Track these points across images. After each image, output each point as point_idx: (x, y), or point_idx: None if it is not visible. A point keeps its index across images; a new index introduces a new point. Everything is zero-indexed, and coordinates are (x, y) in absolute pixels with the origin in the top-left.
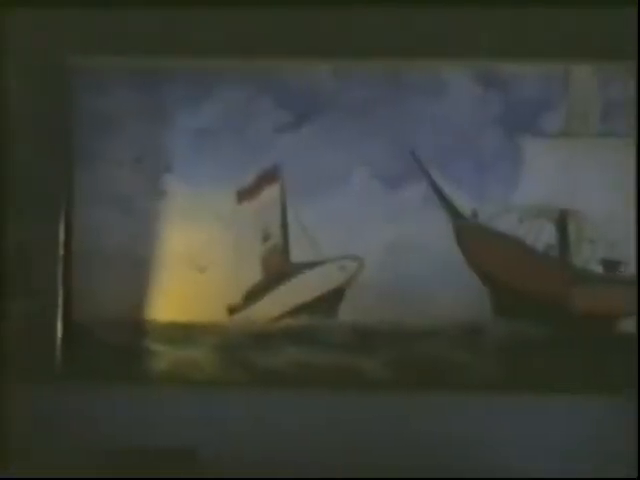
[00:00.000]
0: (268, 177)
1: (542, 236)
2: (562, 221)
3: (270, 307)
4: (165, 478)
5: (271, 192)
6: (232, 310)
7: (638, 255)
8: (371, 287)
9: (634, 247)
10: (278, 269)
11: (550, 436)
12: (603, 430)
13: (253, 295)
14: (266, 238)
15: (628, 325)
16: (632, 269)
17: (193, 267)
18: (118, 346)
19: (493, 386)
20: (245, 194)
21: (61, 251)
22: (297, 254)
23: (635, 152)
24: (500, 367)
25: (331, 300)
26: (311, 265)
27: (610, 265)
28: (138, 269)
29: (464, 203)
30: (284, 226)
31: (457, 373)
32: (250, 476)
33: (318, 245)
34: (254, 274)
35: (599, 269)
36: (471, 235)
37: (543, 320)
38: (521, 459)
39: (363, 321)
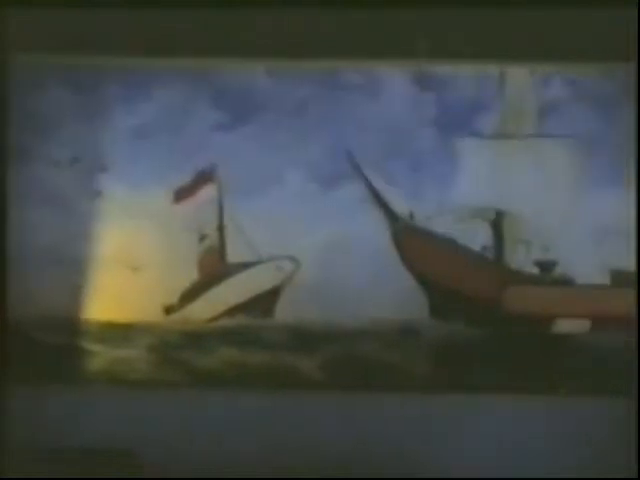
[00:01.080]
0: (204, 177)
1: (477, 237)
2: (497, 222)
3: (206, 307)
4: (101, 478)
5: (207, 192)
6: (168, 310)
7: (638, 255)
8: (307, 287)
9: (569, 248)
10: (214, 269)
11: (484, 435)
12: (539, 428)
13: (189, 295)
14: (202, 238)
15: (563, 326)
16: (566, 270)
17: (129, 267)
18: (54, 346)
19: (428, 386)
20: (181, 194)
21: None
22: (233, 254)
23: (568, 152)
24: (435, 367)
25: (267, 300)
26: (247, 265)
27: (545, 266)
28: (74, 269)
29: (400, 204)
30: (220, 226)
31: (392, 373)
32: (186, 476)
33: (254, 245)
34: (190, 274)
35: (534, 270)
36: (407, 236)
37: (478, 321)
38: (456, 458)
39: (299, 321)
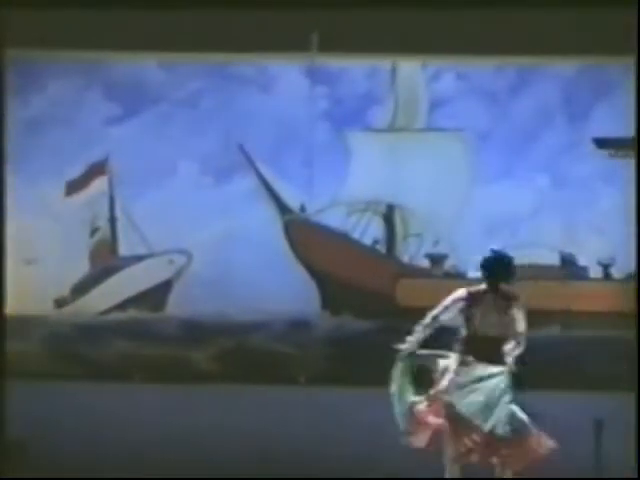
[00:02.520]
0: (97, 169)
1: (369, 230)
2: (389, 215)
3: (98, 300)
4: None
5: (99, 184)
6: (60, 303)
7: (638, 254)
8: (199, 280)
9: (459, 241)
10: (106, 262)
11: (372, 427)
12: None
13: (81, 288)
14: (94, 231)
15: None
16: (457, 263)
17: (21, 260)
18: None
19: (318, 380)
20: (73, 187)
21: None
22: (125, 247)
23: (466, 146)
24: (326, 360)
25: (159, 294)
26: (139, 258)
27: (435, 259)
28: None
29: (292, 197)
30: (112, 219)
31: (283, 366)
32: (83, 467)
33: (147, 238)
34: (82, 267)
35: (425, 263)
36: (299, 229)
37: (370, 313)
38: (340, 450)
39: (191, 314)
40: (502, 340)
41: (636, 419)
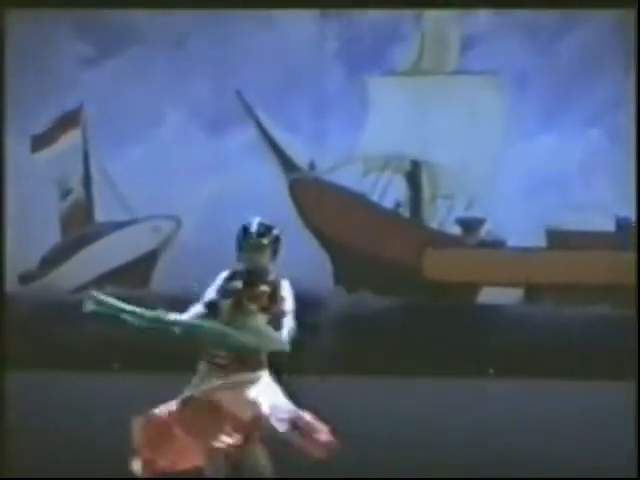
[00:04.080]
0: (68, 120)
1: (391, 191)
2: (413, 174)
3: (71, 275)
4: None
5: (71, 138)
6: (25, 279)
7: (638, 251)
8: (190, 251)
9: (497, 203)
10: (80, 230)
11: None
12: (462, 411)
13: (51, 261)
14: (66, 193)
15: (490, 295)
16: (495, 229)
17: None
18: None
19: (330, 368)
20: (41, 141)
21: None
22: (103, 212)
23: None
24: (340, 345)
25: (143, 267)
26: (119, 225)
27: (469, 225)
28: None
29: (300, 152)
30: (86, 179)
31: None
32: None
33: (127, 202)
34: (52, 236)
35: (457, 230)
36: (307, 190)
37: (391, 290)
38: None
39: (180, 291)
40: None
41: (636, 419)
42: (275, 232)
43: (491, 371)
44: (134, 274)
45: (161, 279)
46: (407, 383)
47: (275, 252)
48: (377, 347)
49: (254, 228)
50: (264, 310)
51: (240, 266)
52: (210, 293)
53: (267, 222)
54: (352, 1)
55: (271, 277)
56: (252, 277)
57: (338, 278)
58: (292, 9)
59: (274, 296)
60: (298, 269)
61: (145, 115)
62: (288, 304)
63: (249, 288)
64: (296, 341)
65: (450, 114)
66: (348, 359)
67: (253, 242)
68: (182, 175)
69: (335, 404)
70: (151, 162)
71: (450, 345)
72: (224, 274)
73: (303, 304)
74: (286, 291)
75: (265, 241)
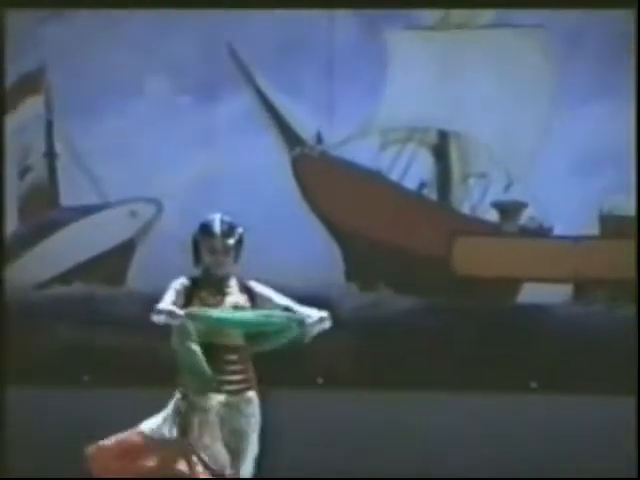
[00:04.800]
0: (28, 84)
1: (414, 169)
2: (441, 148)
3: (32, 269)
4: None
5: (31, 106)
6: None
7: (638, 248)
8: (173, 240)
9: (542, 184)
10: (42, 216)
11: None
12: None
13: (7, 253)
14: (25, 171)
15: (532, 294)
16: (539, 214)
17: None
18: None
19: (342, 380)
20: None
21: None
22: (69, 195)
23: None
24: (354, 353)
25: (117, 259)
26: (89, 210)
27: (508, 209)
28: None
29: (305, 122)
30: (50, 155)
31: (294, 362)
32: None
33: (99, 182)
34: (9, 222)
35: (492, 215)
36: (314, 168)
37: (414, 287)
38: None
39: (162, 289)
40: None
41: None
42: (239, 231)
43: (534, 385)
44: (107, 268)
45: (139, 274)
46: (434, 398)
47: (238, 255)
48: (397, 356)
49: (218, 227)
50: None
51: (200, 272)
52: (164, 303)
53: (228, 219)
54: None
55: (240, 283)
56: (220, 286)
57: (350, 274)
58: None
59: (253, 302)
60: (302, 263)
61: (120, 79)
62: (278, 296)
63: (219, 298)
64: (299, 349)
65: (485, 76)
66: (363, 371)
67: (219, 244)
68: (164, 151)
69: (350, 422)
70: (127, 135)
71: (484, 354)
72: (179, 283)
73: (309, 304)
74: (262, 287)
75: (231, 241)
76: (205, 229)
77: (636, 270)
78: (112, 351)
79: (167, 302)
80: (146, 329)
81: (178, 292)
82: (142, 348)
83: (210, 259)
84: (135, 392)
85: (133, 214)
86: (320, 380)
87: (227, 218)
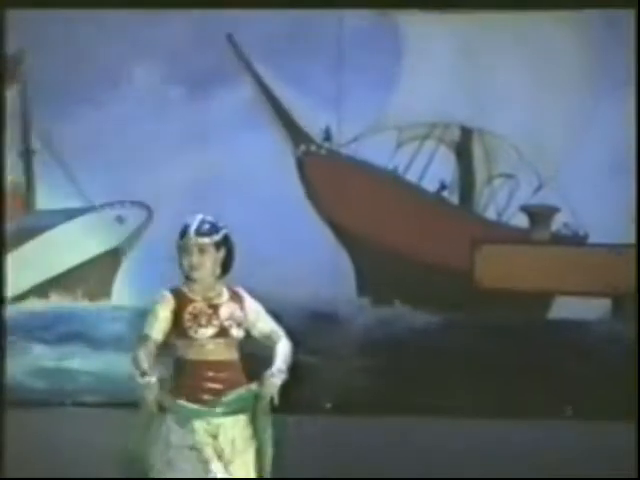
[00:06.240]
0: (2, 72)
1: (433, 169)
2: (463, 145)
3: (5, 281)
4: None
5: (7, 97)
6: None
7: (638, 246)
8: (164, 248)
9: (575, 187)
10: (16, 221)
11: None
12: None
13: None
14: None
15: (566, 308)
16: (572, 221)
17: None
18: None
19: (353, 405)
20: None
21: None
22: (47, 197)
23: None
24: (365, 375)
25: (101, 270)
26: (69, 215)
27: (538, 214)
28: None
29: (311, 117)
30: (26, 152)
31: (299, 384)
32: None
33: (81, 184)
34: None
35: (521, 221)
36: (322, 168)
37: (433, 300)
38: None
39: (150, 302)
40: None
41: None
42: (223, 232)
43: (569, 411)
44: (90, 280)
45: (126, 287)
46: (454, 425)
47: (226, 262)
48: (414, 379)
49: (193, 226)
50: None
51: (184, 281)
52: (155, 332)
53: (211, 220)
54: None
55: (230, 291)
56: (209, 298)
57: (362, 286)
58: None
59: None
60: (308, 275)
61: (104, 68)
62: (263, 319)
63: (210, 312)
64: (305, 372)
65: (514, 64)
66: (376, 395)
67: (191, 242)
68: (154, 149)
69: (363, 451)
70: (113, 131)
71: (512, 376)
72: (165, 304)
73: (316, 322)
74: (250, 302)
75: (206, 240)
76: (182, 229)
77: (636, 256)
78: (95, 371)
79: (157, 331)
80: (133, 348)
81: (166, 318)
82: (129, 370)
83: (185, 261)
84: (121, 414)
85: (119, 220)
86: (328, 405)
87: (210, 218)
